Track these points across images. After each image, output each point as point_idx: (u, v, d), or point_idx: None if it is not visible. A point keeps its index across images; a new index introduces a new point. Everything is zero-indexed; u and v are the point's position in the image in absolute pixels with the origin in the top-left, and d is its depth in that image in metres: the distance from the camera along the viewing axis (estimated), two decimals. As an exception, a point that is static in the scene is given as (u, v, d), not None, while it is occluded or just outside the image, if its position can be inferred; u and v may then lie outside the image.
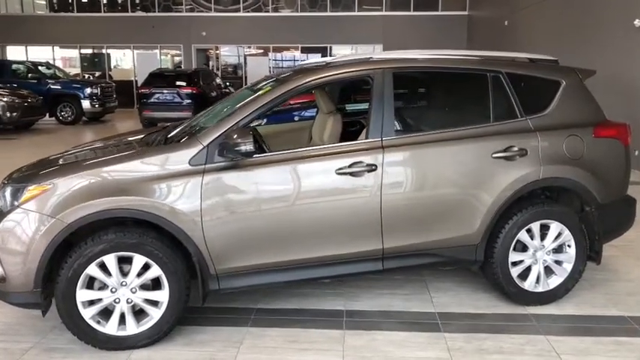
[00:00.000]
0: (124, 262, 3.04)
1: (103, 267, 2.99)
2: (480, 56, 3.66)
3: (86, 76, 22.44)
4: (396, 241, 3.35)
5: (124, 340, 3.07)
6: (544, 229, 3.59)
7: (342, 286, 3.98)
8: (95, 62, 22.80)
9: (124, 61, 23.15)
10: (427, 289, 3.96)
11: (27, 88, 15.23)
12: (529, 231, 3.55)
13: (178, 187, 3.01)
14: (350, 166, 3.21)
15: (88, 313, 3.01)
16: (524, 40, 14.00)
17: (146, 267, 3.04)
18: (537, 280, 3.62)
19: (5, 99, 13.51)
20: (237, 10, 21.53)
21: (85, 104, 15.98)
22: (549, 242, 3.58)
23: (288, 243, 3.22)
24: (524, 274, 3.62)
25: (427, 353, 3.08)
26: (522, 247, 3.59)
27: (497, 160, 3.41)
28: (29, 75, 16.33)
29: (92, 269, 2.96)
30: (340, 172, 3.20)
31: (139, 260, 3.01)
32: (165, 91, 14.01)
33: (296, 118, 6.41)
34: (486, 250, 3.53)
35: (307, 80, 3.34)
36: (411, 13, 20.99)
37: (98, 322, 3.05)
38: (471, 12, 20.57)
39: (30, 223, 2.89)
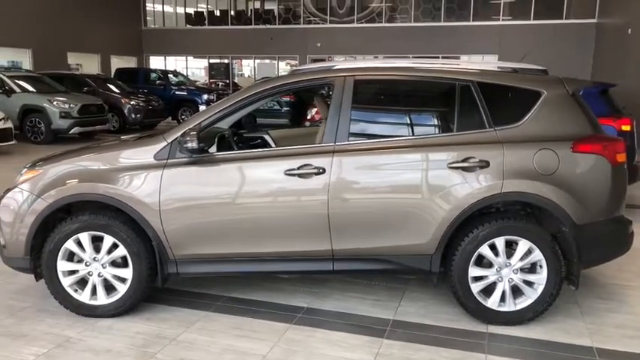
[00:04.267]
0: (100, 241, 3.50)
1: (80, 243, 3.48)
2: (455, 66, 3.61)
3: (220, 84, 24.47)
4: (344, 244, 3.43)
5: (95, 309, 3.53)
6: (513, 246, 3.43)
7: (319, 285, 4.12)
8: (221, 71, 24.76)
9: (246, 70, 24.86)
10: (401, 297, 3.95)
11: (156, 93, 17.10)
12: (494, 246, 3.42)
13: (142, 178, 3.41)
14: (299, 167, 3.37)
15: (66, 282, 3.51)
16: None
17: (115, 246, 3.48)
18: (503, 299, 3.47)
19: (132, 102, 15.33)
20: (352, 22, 22.07)
21: (202, 109, 17.49)
22: (516, 260, 3.41)
23: (240, 237, 3.46)
24: (490, 292, 3.48)
25: (352, 355, 3.14)
26: (489, 263, 3.47)
27: (454, 170, 3.34)
28: (157, 82, 18.27)
29: (70, 244, 3.46)
30: (289, 173, 3.38)
31: (108, 240, 3.46)
32: (266, 99, 14.84)
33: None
34: (444, 262, 3.47)
35: (269, 87, 3.58)
36: (531, 22, 19.91)
37: (76, 291, 3.54)
38: (600, 19, 18.98)
39: (22, 200, 3.47)
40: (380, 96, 3.79)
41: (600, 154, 3.38)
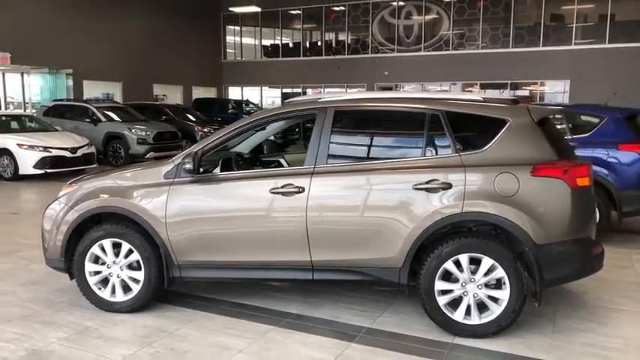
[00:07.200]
0: (120, 247, 4.14)
1: (103, 248, 4.14)
2: (427, 96, 3.96)
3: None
4: (322, 256, 3.84)
5: (114, 305, 4.16)
6: (478, 263, 3.67)
7: (315, 296, 4.51)
8: (293, 100, 25.88)
9: (317, 98, 25.82)
10: (386, 309, 4.26)
11: (228, 121, 18.32)
12: (459, 263, 3.68)
13: (152, 194, 4.03)
14: (282, 187, 3.85)
15: (92, 280, 4.17)
16: None
17: (131, 252, 4.10)
18: (468, 313, 3.70)
19: (204, 129, 16.59)
20: (419, 50, 22.38)
21: (269, 135, 18.48)
22: (480, 276, 3.65)
23: (233, 247, 3.97)
24: (457, 305, 3.73)
25: (317, 354, 3.51)
26: (456, 278, 3.72)
27: (419, 191, 3.66)
28: (230, 111, 19.56)
29: (95, 249, 4.13)
30: (273, 191, 3.86)
31: (125, 246, 4.09)
32: (326, 126, 15.51)
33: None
34: (412, 275, 3.77)
35: (263, 116, 4.11)
36: (606, 45, 19.22)
37: (99, 289, 4.19)
38: (682, 42, 18.02)
39: (60, 211, 4.21)
40: (356, 124, 4.19)
41: (560, 178, 3.57)
